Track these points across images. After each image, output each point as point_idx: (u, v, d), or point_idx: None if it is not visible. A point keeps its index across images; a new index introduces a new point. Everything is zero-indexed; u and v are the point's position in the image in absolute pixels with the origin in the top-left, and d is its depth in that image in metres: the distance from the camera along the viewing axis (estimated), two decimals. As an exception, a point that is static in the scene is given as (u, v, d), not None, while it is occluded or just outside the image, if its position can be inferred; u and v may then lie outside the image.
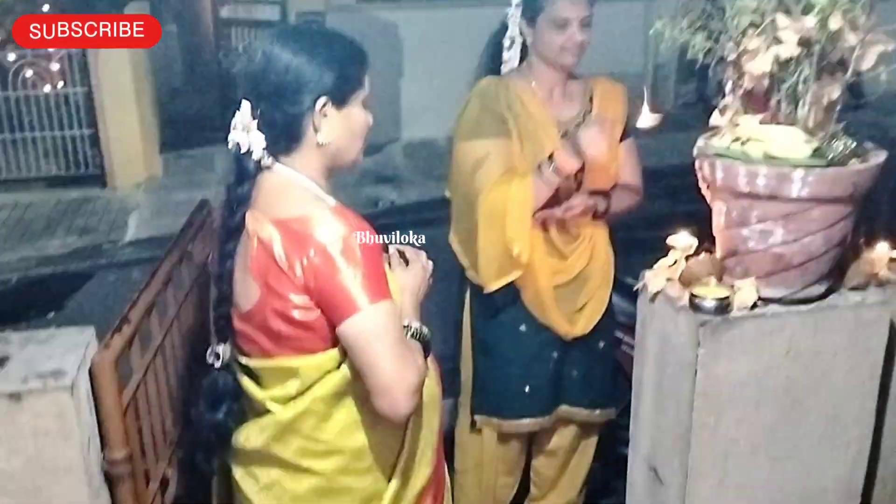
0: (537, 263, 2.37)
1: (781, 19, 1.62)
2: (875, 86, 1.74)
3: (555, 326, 2.47)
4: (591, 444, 2.77)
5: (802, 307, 1.76)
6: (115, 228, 6.72)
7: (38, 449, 1.51)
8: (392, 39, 8.16)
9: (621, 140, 2.47)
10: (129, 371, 1.81)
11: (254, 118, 1.52)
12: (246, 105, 1.52)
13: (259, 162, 1.54)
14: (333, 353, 1.55)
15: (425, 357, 1.61)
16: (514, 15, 2.37)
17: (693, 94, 9.02)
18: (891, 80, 1.64)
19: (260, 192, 1.55)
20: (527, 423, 2.58)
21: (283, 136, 1.53)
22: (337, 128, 1.55)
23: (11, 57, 7.36)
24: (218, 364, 1.64)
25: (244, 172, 1.55)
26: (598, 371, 2.61)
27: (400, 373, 1.48)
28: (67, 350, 1.62)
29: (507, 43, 2.40)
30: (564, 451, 2.72)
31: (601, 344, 2.59)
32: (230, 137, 1.55)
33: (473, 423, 2.62)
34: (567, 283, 2.46)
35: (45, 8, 8.26)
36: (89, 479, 1.56)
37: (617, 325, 2.70)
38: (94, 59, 7.22)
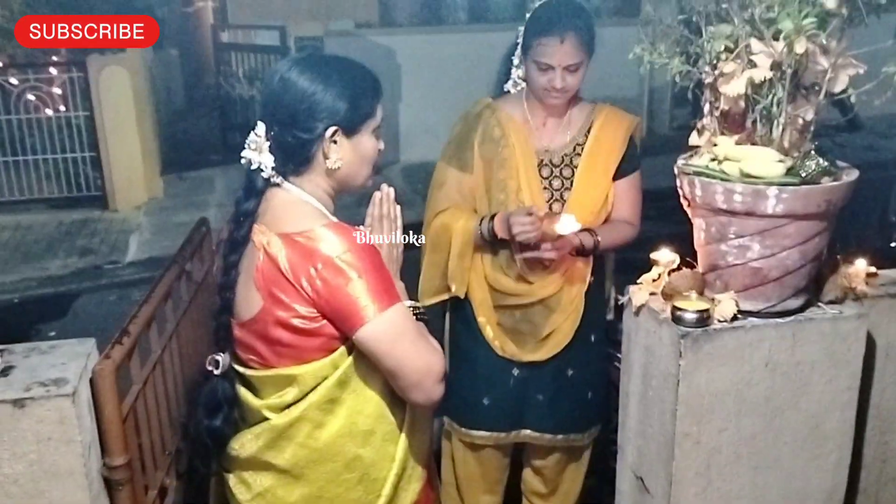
0: (478, 296, 2.45)
1: (755, 44, 1.70)
2: (868, 109, 1.80)
3: (506, 350, 2.48)
4: (580, 463, 2.77)
5: (780, 320, 1.82)
6: (115, 249, 6.79)
7: (41, 454, 1.56)
8: (389, 64, 8.28)
9: (620, 175, 2.43)
10: (129, 382, 1.87)
11: (267, 139, 1.61)
12: (261, 126, 1.61)
13: (268, 180, 1.62)
14: (331, 360, 1.61)
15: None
16: (520, 35, 2.38)
17: (688, 116, 9.14)
18: (883, 103, 1.70)
19: (268, 207, 1.63)
20: (483, 436, 2.59)
21: (294, 158, 1.62)
22: (346, 155, 1.64)
23: (14, 81, 7.47)
24: (217, 371, 1.70)
25: (253, 188, 1.63)
26: (566, 397, 2.55)
27: (426, 366, 1.58)
28: (69, 360, 1.68)
29: (515, 61, 2.44)
30: (550, 469, 2.73)
31: (569, 372, 2.54)
32: (243, 154, 1.63)
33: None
34: (526, 307, 2.44)
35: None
36: (89, 484, 1.61)
37: (597, 353, 2.62)
38: (95, 82, 7.34)
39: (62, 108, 7.58)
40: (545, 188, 2.41)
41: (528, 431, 2.60)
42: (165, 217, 7.34)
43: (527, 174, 2.37)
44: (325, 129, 1.60)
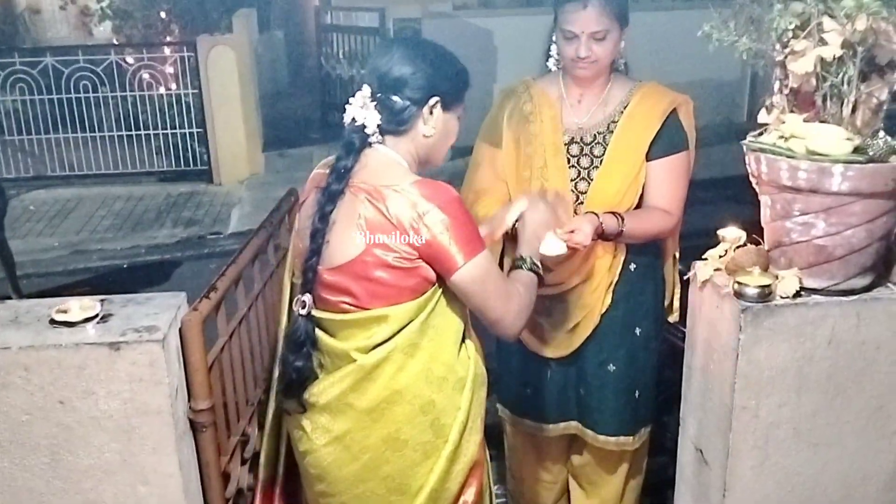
0: None
1: (827, 21, 1.70)
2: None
3: (530, 345, 2.44)
4: (624, 472, 2.65)
5: (845, 298, 1.82)
6: (218, 221, 7.12)
7: (133, 393, 1.72)
8: (486, 45, 8.33)
9: (655, 156, 2.31)
10: (215, 335, 2.02)
11: (373, 100, 1.77)
12: (367, 87, 1.78)
13: (367, 138, 1.78)
14: (418, 303, 1.77)
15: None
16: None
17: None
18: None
19: (366, 165, 1.78)
20: (529, 425, 2.60)
21: (395, 119, 1.79)
22: (439, 126, 1.83)
23: (130, 60, 7.88)
24: (303, 312, 1.83)
25: (352, 147, 1.79)
26: (611, 394, 2.46)
27: (505, 305, 1.81)
28: (162, 311, 1.83)
29: (554, 37, 2.37)
30: (591, 469, 2.67)
31: (611, 367, 2.45)
32: (347, 111, 1.80)
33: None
34: (549, 301, 2.36)
35: (163, 15, 8.81)
36: (175, 423, 1.76)
37: (644, 348, 2.49)
38: (204, 61, 7.66)
39: (173, 86, 7.96)
40: (573, 166, 2.34)
41: (575, 423, 2.55)
42: (265, 192, 7.62)
43: (553, 151, 2.33)
44: (429, 98, 1.78)
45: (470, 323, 1.91)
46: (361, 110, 1.78)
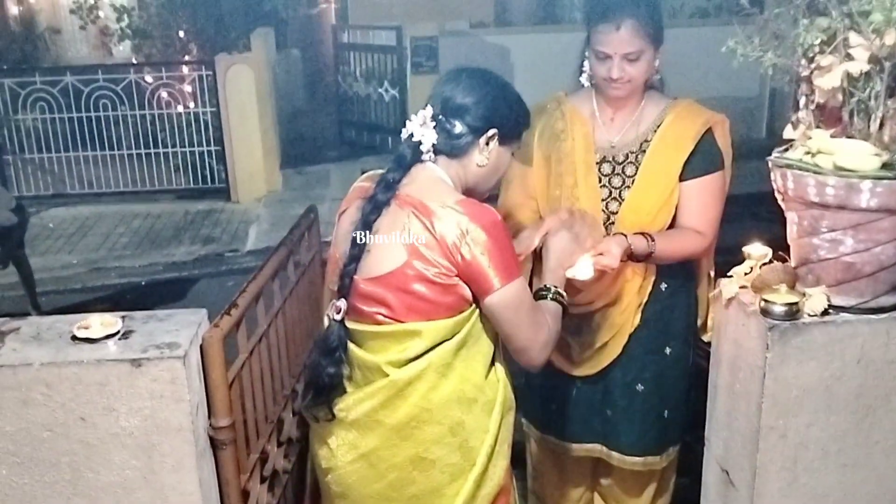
0: None
1: (853, 37, 1.68)
2: None
3: (555, 363, 2.39)
4: (652, 492, 2.62)
5: (874, 316, 1.80)
6: (236, 238, 7.14)
7: (154, 410, 1.71)
8: (503, 63, 8.35)
9: (689, 176, 2.26)
10: (236, 352, 2.01)
11: (433, 120, 1.80)
12: (429, 108, 1.82)
13: (420, 154, 1.81)
14: (454, 322, 1.77)
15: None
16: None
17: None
18: None
19: (414, 180, 1.80)
20: (553, 442, 2.57)
21: (451, 143, 1.82)
22: (493, 157, 1.86)
23: (149, 79, 7.95)
24: (338, 317, 1.83)
25: (402, 161, 1.82)
26: (638, 414, 2.43)
27: (535, 334, 1.81)
28: (182, 327, 1.83)
29: (587, 53, 2.32)
30: (619, 489, 2.63)
31: (639, 387, 2.41)
32: (407, 127, 1.84)
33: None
34: (577, 320, 2.32)
35: (181, 34, 8.89)
36: (196, 440, 1.75)
37: (674, 368, 2.44)
38: (222, 80, 7.72)
39: (191, 104, 8.03)
40: (604, 186, 2.30)
41: (600, 447, 2.51)
42: (283, 209, 7.65)
43: (585, 170, 2.30)
44: (489, 129, 1.82)
45: (500, 346, 1.89)
46: (420, 128, 1.81)
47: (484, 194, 1.92)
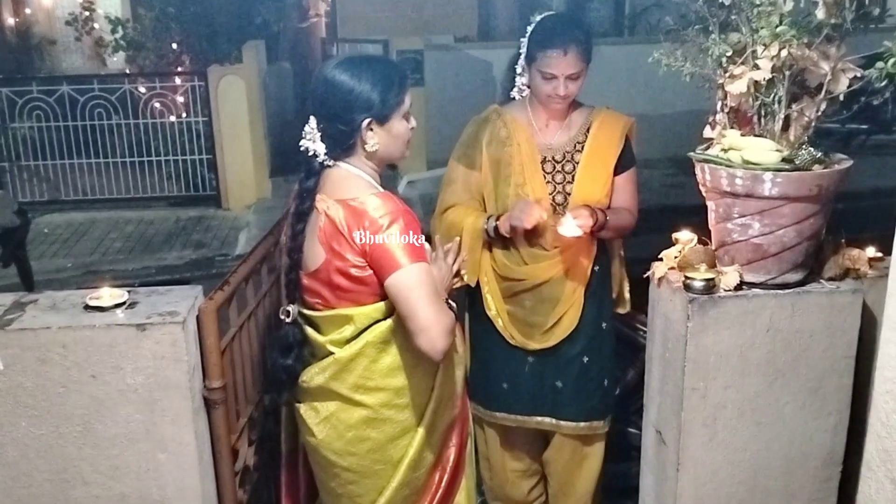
0: (490, 289, 2.70)
1: (760, 49, 1.97)
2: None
3: (516, 339, 2.70)
4: (593, 457, 2.88)
5: (780, 291, 2.07)
6: (226, 244, 7.40)
7: (156, 369, 1.96)
8: (486, 76, 8.65)
9: (618, 171, 2.64)
10: (227, 326, 2.27)
11: (318, 130, 1.99)
12: (313, 119, 2.00)
13: (323, 163, 2.01)
14: (380, 306, 1.99)
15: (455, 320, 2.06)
16: (523, 46, 2.62)
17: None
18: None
19: (326, 181, 2.02)
20: (504, 417, 2.80)
21: (340, 145, 2.00)
22: (381, 139, 2.00)
23: (142, 89, 8.21)
24: (288, 320, 2.10)
25: (312, 170, 2.03)
26: (585, 384, 2.74)
27: (435, 316, 1.90)
28: (181, 299, 2.09)
29: (518, 69, 2.66)
30: (564, 462, 2.88)
31: (585, 359, 2.72)
32: (301, 143, 2.02)
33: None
34: (533, 295, 2.65)
35: (174, 45, 9.16)
36: (192, 397, 2.01)
37: (609, 341, 2.79)
38: (214, 91, 7.99)
39: (184, 114, 8.28)
40: (548, 182, 2.63)
41: (549, 420, 2.78)
42: (272, 216, 7.85)
43: (531, 169, 2.61)
44: (362, 121, 1.95)
45: None
46: (311, 143, 1.98)
47: (399, 158, 2.08)
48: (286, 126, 11.72)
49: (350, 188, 1.98)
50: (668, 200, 7.36)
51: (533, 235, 2.59)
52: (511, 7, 10.24)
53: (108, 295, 2.02)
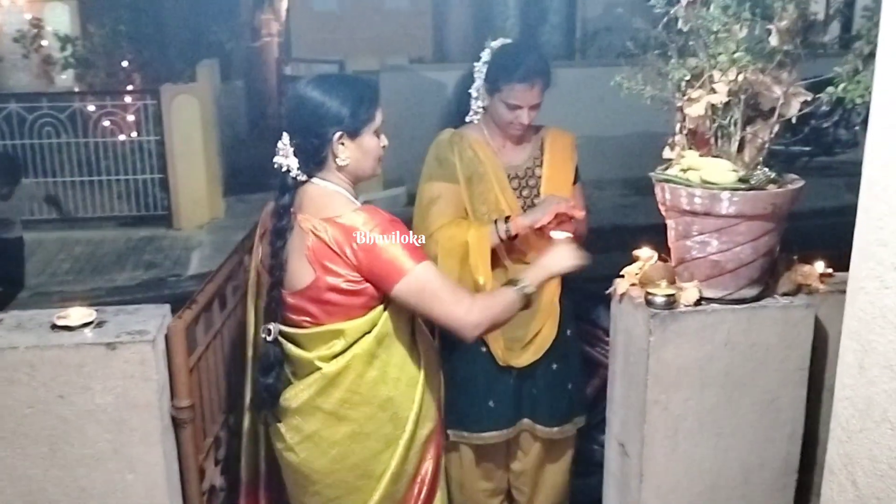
0: None
1: (717, 74, 2.05)
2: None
3: (503, 357, 2.75)
4: (562, 461, 2.99)
5: (737, 306, 2.15)
6: (178, 264, 7.31)
7: (125, 388, 1.96)
8: (440, 96, 8.73)
9: (573, 182, 2.78)
10: (195, 345, 2.27)
11: (290, 146, 2.01)
12: (286, 135, 2.02)
13: (296, 178, 2.02)
14: (369, 318, 2.03)
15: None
16: (481, 72, 2.69)
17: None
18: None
19: (304, 199, 2.03)
20: (492, 436, 2.84)
21: (312, 159, 2.02)
22: (352, 153, 2.02)
23: (92, 107, 8.11)
24: (269, 338, 2.10)
25: (286, 187, 2.04)
26: (556, 390, 2.85)
27: (456, 304, 1.96)
28: (149, 318, 2.09)
29: (474, 94, 2.74)
30: (533, 468, 2.96)
31: (554, 366, 2.84)
32: (274, 159, 2.04)
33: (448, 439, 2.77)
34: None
35: (125, 64, 9.07)
36: (161, 416, 2.01)
37: (574, 348, 2.93)
38: (167, 109, 7.92)
39: (134, 133, 8.18)
40: (518, 197, 2.73)
41: (527, 421, 2.85)
42: (225, 236, 7.83)
43: (501, 186, 2.71)
44: (333, 134, 1.98)
45: (419, 322, 2.17)
46: (283, 158, 2.00)
47: (369, 174, 2.09)
48: (240, 145, 11.69)
49: (330, 206, 2.00)
50: (618, 220, 7.50)
51: (524, 246, 2.67)
52: (465, 29, 10.35)
53: (76, 314, 2.02)
